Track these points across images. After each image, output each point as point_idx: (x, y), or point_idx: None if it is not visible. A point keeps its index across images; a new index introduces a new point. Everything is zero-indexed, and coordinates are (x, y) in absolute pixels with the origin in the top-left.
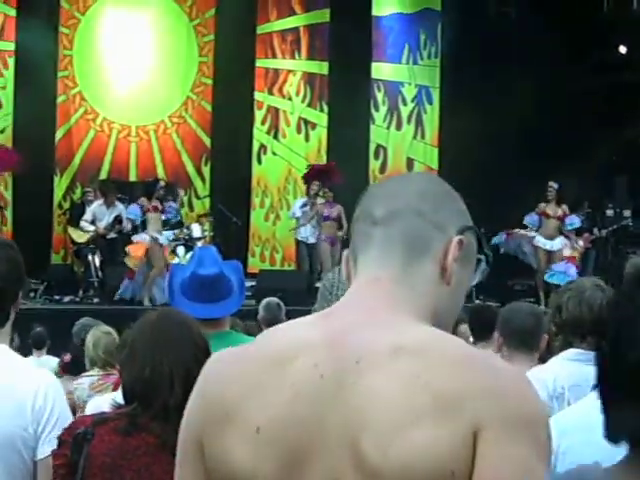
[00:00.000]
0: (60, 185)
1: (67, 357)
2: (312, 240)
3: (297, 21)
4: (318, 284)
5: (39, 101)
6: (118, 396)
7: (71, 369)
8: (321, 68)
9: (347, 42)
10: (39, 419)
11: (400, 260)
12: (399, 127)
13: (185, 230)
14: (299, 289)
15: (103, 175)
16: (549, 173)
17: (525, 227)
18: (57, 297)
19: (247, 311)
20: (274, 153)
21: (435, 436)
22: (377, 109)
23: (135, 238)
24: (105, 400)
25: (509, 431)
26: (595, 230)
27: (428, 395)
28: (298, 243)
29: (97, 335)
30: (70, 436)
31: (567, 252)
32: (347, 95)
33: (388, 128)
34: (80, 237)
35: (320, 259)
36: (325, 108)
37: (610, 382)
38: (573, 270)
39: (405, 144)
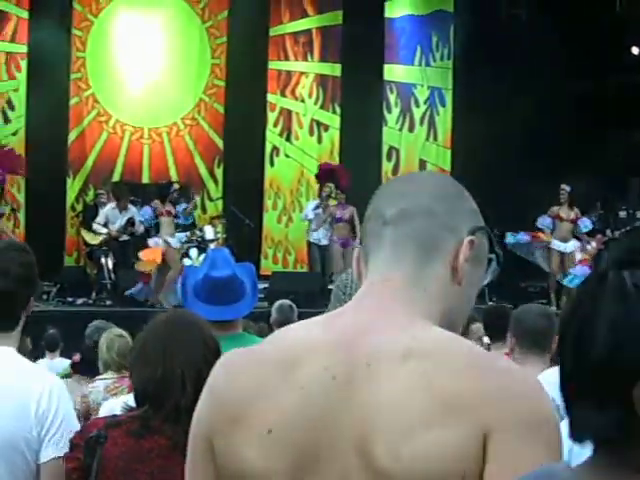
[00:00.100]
0: (73, 187)
1: (77, 357)
2: (324, 242)
3: (310, 23)
4: (330, 286)
5: (52, 103)
6: (130, 399)
7: (82, 369)
8: (333, 70)
9: (359, 44)
10: (43, 422)
11: (411, 261)
12: (412, 129)
13: (198, 232)
14: (312, 291)
15: (116, 177)
16: (561, 175)
17: (540, 229)
18: (70, 299)
19: (260, 313)
20: (287, 155)
21: (446, 438)
22: (390, 111)
23: (149, 242)
24: (118, 403)
25: (519, 433)
26: (608, 231)
27: (439, 398)
28: (310, 245)
29: (111, 338)
30: (82, 440)
31: (579, 255)
32: (360, 97)
33: (401, 130)
34: (93, 239)
35: (332, 261)
36: (337, 110)
37: (573, 381)
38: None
39: (418, 146)
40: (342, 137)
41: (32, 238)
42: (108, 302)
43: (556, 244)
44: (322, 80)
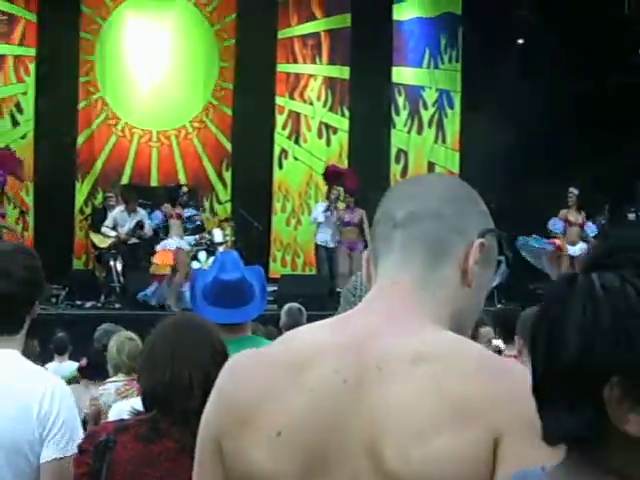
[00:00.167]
0: (82, 190)
1: (84, 361)
2: (332, 245)
3: (318, 26)
4: (339, 289)
5: (60, 106)
6: (138, 403)
7: (89, 373)
8: (342, 73)
9: (368, 46)
10: (45, 423)
11: (421, 263)
12: (420, 131)
13: (206, 235)
14: (320, 294)
15: (124, 180)
16: (569, 178)
17: (554, 233)
18: (79, 302)
19: (269, 316)
20: (295, 158)
21: (456, 442)
22: (398, 113)
23: (160, 246)
24: (127, 406)
25: (530, 436)
26: None
27: (448, 402)
28: (317, 247)
29: (121, 340)
30: (92, 444)
31: None
32: (368, 99)
33: (409, 132)
34: (102, 242)
35: (339, 264)
36: (346, 112)
37: (544, 384)
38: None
39: (426, 148)
40: (351, 140)
41: (41, 241)
42: (117, 305)
43: (566, 247)
44: (330, 83)
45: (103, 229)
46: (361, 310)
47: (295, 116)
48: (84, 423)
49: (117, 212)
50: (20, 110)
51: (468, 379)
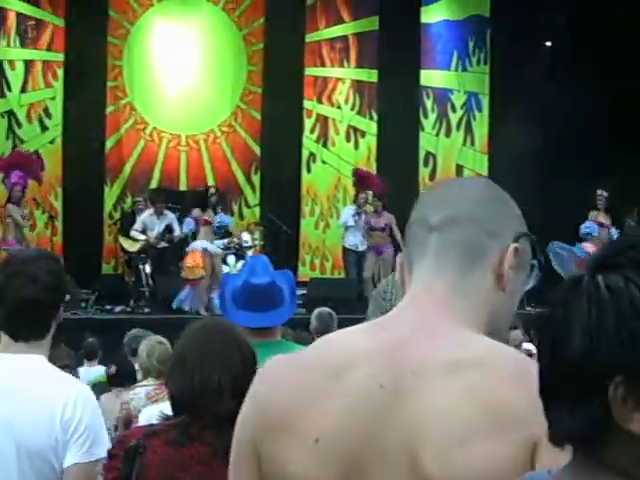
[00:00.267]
0: (110, 195)
1: (112, 369)
2: (361, 248)
3: (346, 29)
4: (366, 293)
5: (88, 111)
6: (166, 408)
7: (117, 381)
8: (370, 76)
9: (396, 50)
10: (67, 429)
11: (456, 268)
12: (448, 134)
13: (235, 239)
14: (349, 297)
15: (153, 184)
16: (597, 180)
17: (587, 236)
18: (108, 307)
19: (298, 320)
20: (323, 161)
21: (494, 450)
22: (426, 116)
23: (190, 248)
24: (156, 410)
25: None
26: None
27: (486, 409)
28: (345, 251)
29: (152, 345)
30: (121, 450)
31: None
32: (396, 102)
33: (437, 135)
34: (131, 246)
35: (366, 268)
36: (374, 116)
37: (549, 385)
38: None
39: (454, 151)
40: (379, 143)
41: (70, 246)
42: (146, 310)
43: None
44: (358, 86)
45: (132, 232)
46: (396, 316)
47: (323, 120)
48: (116, 428)
49: (146, 215)
50: (48, 115)
51: (506, 385)
